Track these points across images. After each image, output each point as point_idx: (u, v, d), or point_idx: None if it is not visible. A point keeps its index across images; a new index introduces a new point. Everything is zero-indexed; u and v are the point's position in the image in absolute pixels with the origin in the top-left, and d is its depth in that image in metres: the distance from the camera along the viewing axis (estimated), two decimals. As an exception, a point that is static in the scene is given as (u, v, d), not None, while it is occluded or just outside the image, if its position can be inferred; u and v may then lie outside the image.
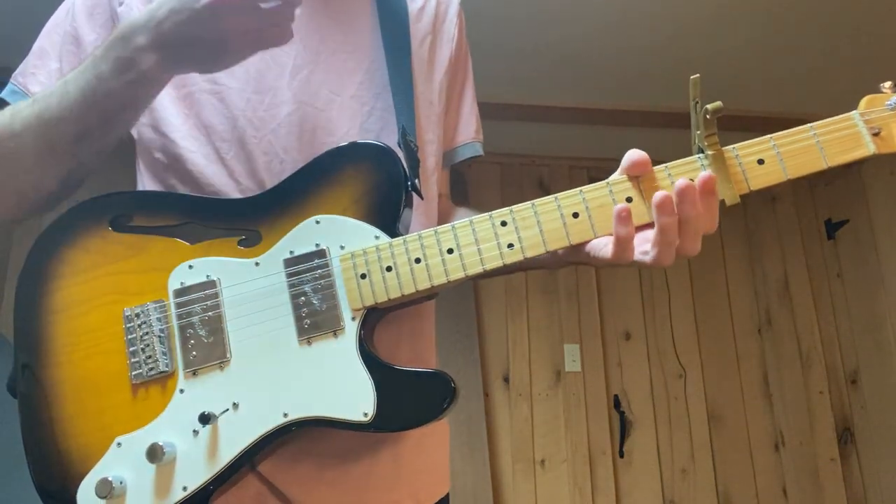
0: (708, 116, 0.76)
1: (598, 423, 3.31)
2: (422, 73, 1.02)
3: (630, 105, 3.17)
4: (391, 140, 0.90)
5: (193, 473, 0.78)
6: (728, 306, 3.61)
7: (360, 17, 1.00)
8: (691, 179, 0.74)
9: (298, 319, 0.81)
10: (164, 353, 0.81)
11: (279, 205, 0.85)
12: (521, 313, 3.40)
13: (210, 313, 0.82)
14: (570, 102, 3.16)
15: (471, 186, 3.44)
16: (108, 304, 0.83)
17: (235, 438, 0.78)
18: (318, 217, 0.83)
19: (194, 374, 0.80)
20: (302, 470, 0.84)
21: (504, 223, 0.80)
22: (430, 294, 0.88)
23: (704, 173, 0.74)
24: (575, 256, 0.82)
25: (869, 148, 0.77)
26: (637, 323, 3.51)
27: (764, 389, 3.52)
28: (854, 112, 0.78)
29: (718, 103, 0.75)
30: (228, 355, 0.81)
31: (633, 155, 0.78)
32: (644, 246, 0.76)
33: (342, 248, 0.82)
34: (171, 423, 0.79)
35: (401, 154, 0.87)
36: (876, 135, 0.77)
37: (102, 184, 0.91)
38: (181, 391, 0.80)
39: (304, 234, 0.83)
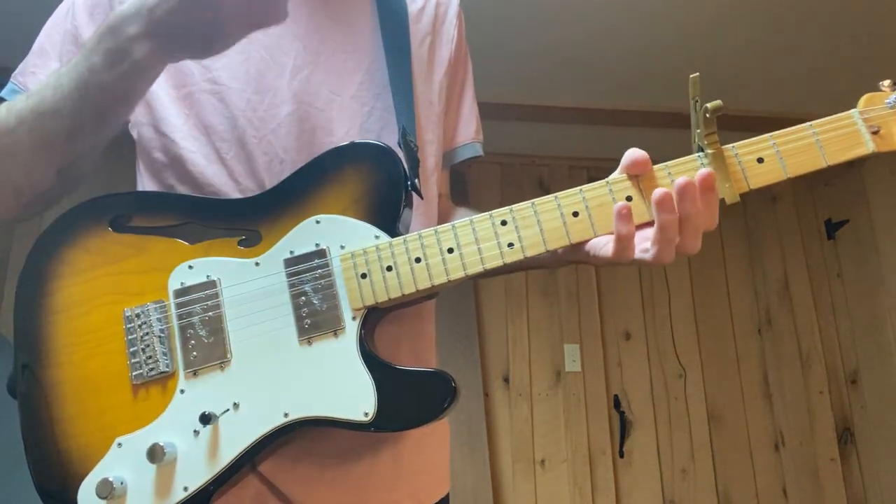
0: (707, 115, 0.76)
1: (598, 423, 3.31)
2: (421, 73, 1.02)
3: (630, 105, 3.17)
4: (391, 140, 0.90)
5: (194, 473, 0.78)
6: (728, 306, 3.61)
7: (360, 18, 1.00)
8: (675, 182, 0.74)
9: (299, 319, 0.81)
10: (165, 354, 0.81)
11: (279, 205, 0.85)
12: (521, 313, 3.40)
13: (210, 313, 0.82)
14: (570, 102, 3.16)
15: (471, 186, 3.44)
16: (108, 304, 0.83)
17: (236, 438, 0.78)
18: (318, 217, 0.83)
19: (195, 374, 0.80)
20: (302, 470, 0.84)
21: (504, 222, 0.80)
22: (431, 294, 0.88)
23: (704, 170, 0.74)
24: (575, 255, 0.82)
25: (868, 146, 0.77)
26: (637, 323, 3.51)
27: (764, 389, 3.52)
28: (853, 110, 0.79)
29: (718, 102, 0.76)
30: (229, 355, 0.81)
31: (633, 154, 0.78)
32: (644, 244, 0.76)
33: (342, 247, 0.82)
34: (172, 424, 0.79)
35: (401, 154, 0.87)
36: (875, 133, 0.77)
37: (102, 184, 0.91)
38: (182, 391, 0.80)
39: (305, 234, 0.83)
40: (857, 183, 3.44)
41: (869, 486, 3.32)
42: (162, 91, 0.92)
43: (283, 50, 0.94)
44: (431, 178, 1.00)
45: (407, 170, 0.85)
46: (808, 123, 0.78)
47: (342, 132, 0.92)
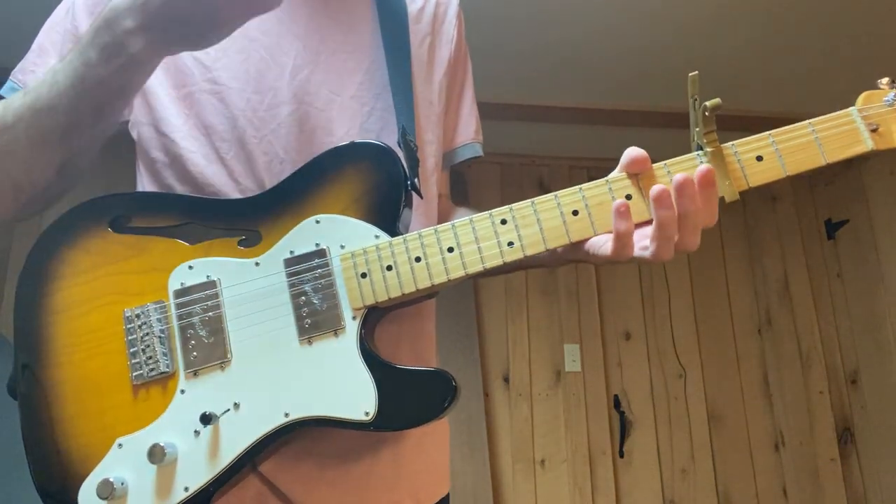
0: (707, 113, 0.76)
1: (598, 423, 3.31)
2: (421, 73, 1.02)
3: (630, 105, 3.17)
4: (391, 140, 0.90)
5: (195, 474, 0.78)
6: (728, 306, 3.61)
7: (360, 18, 1.00)
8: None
9: (299, 319, 0.81)
10: (165, 354, 0.81)
11: (279, 205, 0.85)
12: (521, 313, 3.40)
13: (210, 314, 0.82)
14: (570, 102, 3.16)
15: (471, 186, 3.44)
16: (108, 304, 0.83)
17: (237, 438, 0.78)
18: (317, 217, 0.83)
19: (195, 374, 0.80)
20: (303, 470, 0.84)
21: (504, 221, 0.80)
22: (431, 293, 0.88)
23: (703, 166, 0.74)
24: (574, 254, 0.83)
25: (867, 144, 0.77)
26: (637, 323, 3.51)
27: (764, 389, 3.52)
28: (852, 108, 0.79)
29: (717, 100, 0.76)
30: (229, 355, 0.81)
31: (632, 152, 0.78)
32: (643, 241, 0.76)
33: (342, 247, 0.82)
34: (173, 424, 0.79)
35: (400, 154, 0.87)
36: (874, 131, 0.77)
37: (102, 184, 0.91)
38: (182, 392, 0.80)
39: (304, 234, 0.83)
40: (857, 182, 3.44)
41: (869, 486, 3.32)
42: (162, 91, 0.92)
43: (283, 50, 0.94)
44: (431, 178, 1.00)
45: (406, 169, 0.86)
46: (806, 121, 0.78)
47: (342, 132, 0.92)
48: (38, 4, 1.08)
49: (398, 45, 0.99)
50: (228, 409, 0.79)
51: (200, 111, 0.91)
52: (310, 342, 0.80)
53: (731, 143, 0.78)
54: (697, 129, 0.78)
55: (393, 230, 0.83)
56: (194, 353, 0.81)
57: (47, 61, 0.94)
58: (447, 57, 1.07)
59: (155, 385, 0.81)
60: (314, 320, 0.80)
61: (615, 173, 0.80)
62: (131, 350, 0.81)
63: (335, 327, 0.80)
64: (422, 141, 0.99)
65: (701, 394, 3.45)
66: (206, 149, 0.90)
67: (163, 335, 0.82)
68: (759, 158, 0.78)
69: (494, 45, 2.69)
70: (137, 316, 0.82)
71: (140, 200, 0.89)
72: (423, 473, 0.94)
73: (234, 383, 0.80)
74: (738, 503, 3.34)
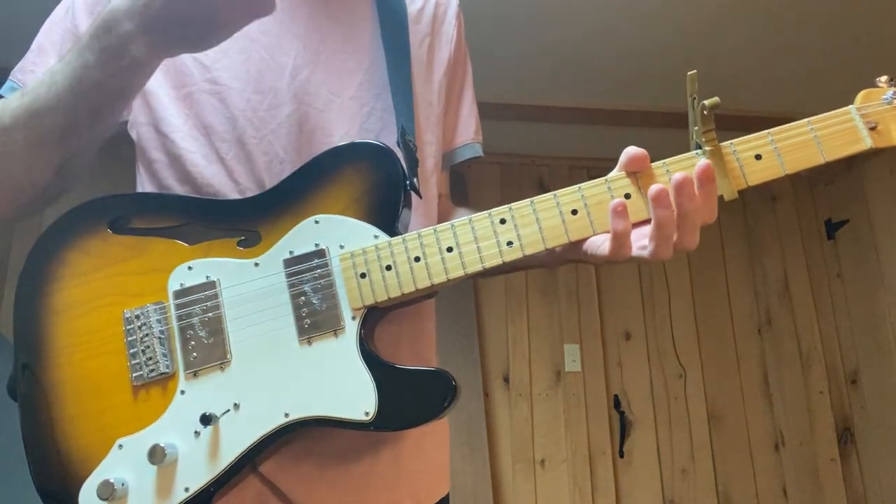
0: (705, 112, 0.76)
1: (598, 423, 3.30)
2: (420, 74, 1.02)
3: (630, 105, 3.17)
4: (390, 140, 0.90)
5: (195, 474, 0.78)
6: (728, 306, 3.61)
7: (359, 18, 1.00)
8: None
9: (298, 319, 0.81)
10: (165, 355, 0.81)
11: (278, 205, 0.85)
12: (521, 313, 3.40)
13: (210, 314, 0.82)
14: (570, 102, 3.16)
15: (471, 186, 3.44)
16: (108, 305, 0.83)
17: (237, 439, 0.78)
18: (317, 217, 0.83)
19: (195, 375, 0.80)
20: (303, 470, 0.84)
21: (503, 221, 0.80)
22: (430, 293, 0.88)
23: (703, 162, 0.74)
24: (574, 254, 0.83)
25: (866, 142, 0.77)
26: (637, 323, 3.51)
27: (764, 389, 3.52)
28: (851, 106, 0.79)
29: (715, 99, 0.76)
30: (229, 356, 0.81)
31: (631, 151, 0.78)
32: (642, 241, 0.76)
33: (342, 247, 0.82)
34: (173, 425, 0.79)
35: (399, 154, 0.87)
36: (873, 129, 0.77)
37: (102, 184, 0.91)
38: (182, 392, 0.80)
39: (304, 234, 0.83)
40: (857, 183, 3.44)
41: (869, 486, 3.32)
42: (161, 91, 0.92)
43: (283, 50, 0.94)
44: (431, 179, 1.00)
45: (406, 169, 0.86)
46: (805, 120, 0.78)
47: (342, 132, 0.92)
48: (38, 4, 1.08)
49: (398, 45, 0.99)
50: (228, 410, 0.79)
51: (200, 111, 0.91)
52: (309, 342, 0.80)
53: (729, 141, 0.78)
54: (696, 128, 0.78)
55: (392, 230, 0.83)
56: (194, 354, 0.81)
57: (47, 61, 0.94)
58: (447, 57, 1.07)
59: (155, 386, 0.81)
60: (314, 320, 0.80)
61: (614, 172, 0.80)
62: (131, 351, 0.81)
63: (335, 327, 0.80)
64: (421, 141, 0.99)
65: (701, 394, 3.45)
66: (206, 149, 0.90)
67: (162, 336, 0.82)
68: (758, 157, 0.78)
69: (494, 46, 2.69)
70: (137, 317, 0.82)
71: (139, 201, 0.89)
72: (423, 473, 0.94)
73: (234, 384, 0.80)
74: (738, 503, 3.34)
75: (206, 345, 0.81)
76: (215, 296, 0.82)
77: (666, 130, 3.00)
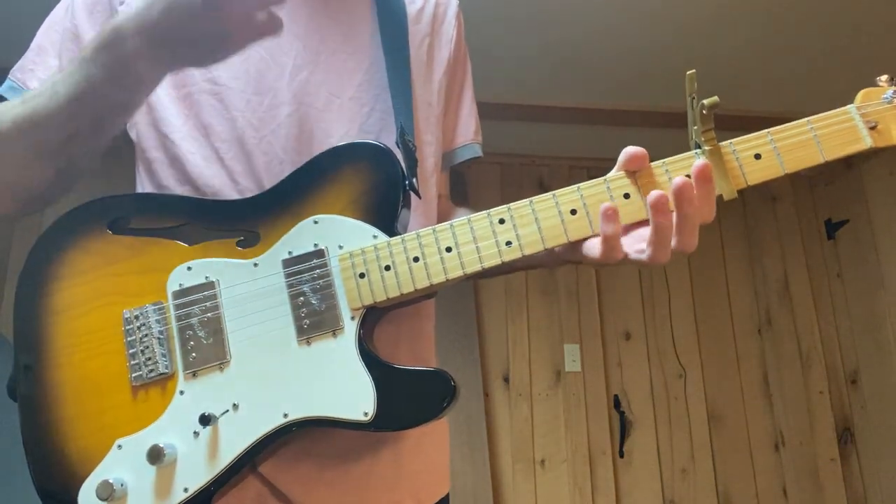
0: (704, 112, 0.76)
1: (598, 423, 3.30)
2: (420, 74, 1.02)
3: (630, 105, 3.17)
4: (390, 141, 0.90)
5: (194, 475, 0.78)
6: (728, 306, 3.61)
7: (359, 18, 1.00)
8: (688, 175, 0.74)
9: (297, 319, 0.81)
10: (164, 355, 0.81)
11: (277, 205, 0.85)
12: (521, 313, 3.40)
13: (209, 314, 0.82)
14: (570, 102, 3.16)
15: (471, 186, 3.44)
16: (107, 305, 0.83)
17: (236, 439, 0.78)
18: (316, 217, 0.83)
19: (194, 375, 0.80)
20: (302, 470, 0.84)
21: (502, 221, 0.80)
22: (429, 293, 0.88)
23: (700, 161, 0.74)
24: (571, 255, 0.83)
25: (866, 141, 0.77)
26: (637, 323, 3.51)
27: (764, 389, 3.52)
28: (850, 106, 0.78)
29: (714, 98, 0.76)
30: (228, 356, 0.81)
31: (631, 150, 0.78)
32: (640, 244, 0.76)
33: (341, 247, 0.82)
34: (172, 425, 0.79)
35: (399, 154, 0.87)
36: (873, 128, 0.77)
37: (102, 185, 0.91)
38: (181, 392, 0.80)
39: (303, 234, 0.83)
40: (857, 183, 3.44)
41: (869, 486, 3.32)
42: (161, 91, 0.92)
43: (283, 50, 0.94)
44: (430, 179, 1.00)
45: (405, 170, 0.85)
46: (805, 119, 0.78)
47: (341, 133, 0.92)
48: (38, 4, 1.08)
49: (397, 45, 0.99)
50: (227, 410, 0.79)
51: (200, 111, 0.91)
52: (308, 342, 0.80)
53: (728, 141, 0.78)
54: (695, 128, 0.78)
55: (391, 230, 0.82)
56: (193, 354, 0.81)
57: (46, 60, 0.94)
58: (446, 57, 1.07)
59: (154, 386, 0.81)
60: (313, 321, 0.80)
61: (613, 172, 0.80)
62: (130, 351, 0.81)
63: (334, 327, 0.80)
64: (420, 141, 0.99)
65: (701, 394, 3.45)
66: (206, 149, 0.90)
67: (162, 336, 0.82)
68: (758, 156, 0.77)
69: (494, 46, 2.69)
70: (136, 317, 0.82)
71: (139, 201, 0.89)
72: (423, 473, 0.94)
73: (233, 384, 0.80)
74: (738, 503, 3.34)
75: (206, 345, 0.81)
76: (214, 296, 0.82)
77: (666, 130, 3.00)
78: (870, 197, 3.38)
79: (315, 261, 0.82)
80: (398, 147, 0.89)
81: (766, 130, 0.78)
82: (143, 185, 0.94)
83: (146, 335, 0.82)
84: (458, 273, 0.80)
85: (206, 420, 0.78)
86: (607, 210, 0.74)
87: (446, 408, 0.78)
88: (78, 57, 0.78)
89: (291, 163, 0.89)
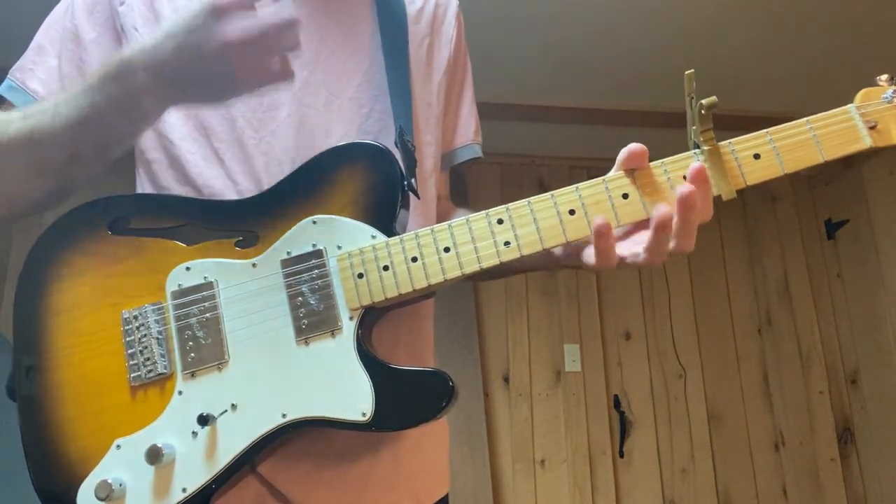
0: (703, 112, 0.76)
1: (598, 423, 3.30)
2: (420, 74, 1.02)
3: (630, 105, 3.17)
4: (389, 141, 0.90)
5: (192, 475, 0.78)
6: (728, 306, 3.61)
7: (359, 19, 1.00)
8: (684, 177, 0.74)
9: (296, 320, 0.81)
10: (163, 356, 0.81)
11: (276, 206, 0.85)
12: (521, 313, 3.40)
13: (208, 315, 0.82)
14: (570, 102, 3.16)
15: (471, 187, 3.44)
16: (106, 306, 0.83)
17: (234, 439, 0.78)
18: (314, 217, 0.83)
19: (192, 375, 0.80)
20: (301, 470, 0.84)
21: (500, 221, 0.80)
22: (428, 293, 0.88)
23: (695, 164, 0.74)
24: (570, 261, 0.83)
25: (865, 141, 0.77)
26: (637, 323, 3.51)
27: (764, 389, 3.52)
28: (850, 105, 0.78)
29: (713, 98, 0.76)
30: (226, 356, 0.81)
31: (630, 147, 0.78)
32: (636, 248, 0.76)
33: (339, 247, 0.82)
34: (170, 425, 0.79)
35: (397, 154, 0.87)
36: (872, 128, 0.77)
37: (101, 185, 0.91)
38: (180, 393, 0.80)
39: (301, 235, 0.83)
40: (857, 183, 3.44)
41: (869, 486, 3.32)
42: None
43: (283, 51, 0.93)
44: (430, 180, 1.00)
45: (403, 170, 0.85)
46: (804, 119, 0.78)
47: (340, 133, 0.92)
48: (38, 4, 1.08)
49: (397, 46, 0.99)
50: (226, 411, 0.79)
51: (199, 112, 0.91)
52: (307, 343, 0.80)
53: (728, 141, 0.78)
54: (694, 128, 0.78)
55: (390, 230, 0.82)
56: (192, 355, 0.81)
57: (46, 59, 0.94)
58: (446, 58, 1.07)
59: (153, 386, 0.81)
60: (311, 321, 0.80)
61: (612, 172, 0.80)
62: (129, 351, 0.82)
63: (332, 328, 0.80)
64: (420, 142, 0.99)
65: (701, 394, 3.45)
66: (205, 150, 0.90)
67: (160, 336, 0.82)
68: (757, 156, 0.77)
69: (494, 46, 2.69)
70: (135, 317, 0.82)
71: (138, 202, 0.89)
72: (423, 473, 0.94)
73: (232, 384, 0.80)
74: (738, 503, 3.34)
75: (204, 345, 0.81)
76: (213, 296, 0.82)
77: (666, 130, 2.99)
78: (870, 197, 3.38)
79: (313, 261, 0.82)
80: (397, 147, 0.89)
81: (765, 130, 0.78)
82: (143, 186, 0.94)
83: (145, 335, 0.82)
84: (456, 273, 0.80)
85: (204, 420, 0.78)
86: (601, 228, 0.75)
87: (444, 408, 0.78)
88: (84, 82, 0.78)
89: (290, 163, 0.89)
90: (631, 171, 0.79)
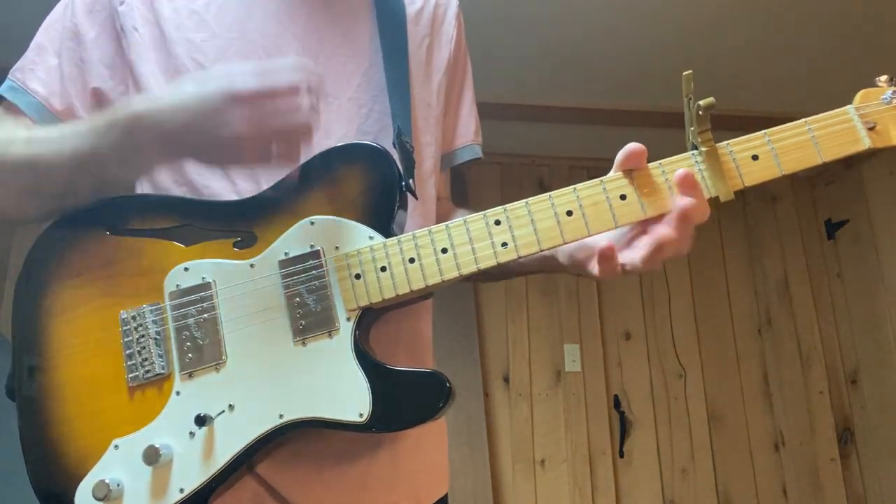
0: (700, 112, 0.76)
1: (598, 423, 3.30)
2: (419, 75, 1.02)
3: (630, 105, 3.17)
4: (388, 142, 0.90)
5: (190, 475, 0.78)
6: (728, 306, 3.61)
7: (358, 20, 1.00)
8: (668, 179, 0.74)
9: (294, 320, 0.80)
10: (161, 356, 0.81)
11: (274, 206, 0.85)
12: (521, 313, 3.40)
13: (206, 315, 0.82)
14: (570, 102, 3.16)
15: (471, 187, 3.44)
16: (105, 306, 0.83)
17: (232, 440, 0.78)
18: (312, 218, 0.83)
19: (190, 376, 0.80)
20: (299, 471, 0.84)
21: (498, 222, 0.80)
22: (426, 294, 0.88)
23: (680, 171, 0.75)
24: (575, 270, 0.84)
25: (864, 142, 0.77)
26: (637, 323, 3.51)
27: (764, 389, 3.52)
28: (849, 106, 0.78)
29: (710, 99, 0.75)
30: (224, 357, 0.81)
31: (629, 146, 0.78)
32: (634, 255, 0.76)
33: (337, 248, 0.82)
34: (168, 425, 0.79)
35: (395, 155, 0.87)
36: (871, 129, 0.77)
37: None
38: (177, 393, 0.80)
39: (299, 236, 0.83)
40: (857, 183, 3.44)
41: (869, 486, 3.32)
42: (161, 92, 0.91)
43: (282, 51, 0.93)
44: (429, 180, 1.00)
45: (402, 171, 0.85)
46: (803, 120, 0.78)
47: (340, 134, 0.92)
48: (38, 4, 1.08)
49: (396, 46, 0.99)
50: (223, 411, 0.79)
51: (198, 113, 0.91)
52: (304, 343, 0.80)
53: (726, 142, 0.78)
54: (692, 129, 0.78)
55: (387, 231, 0.82)
56: (189, 355, 0.81)
57: (46, 59, 0.94)
58: (446, 58, 1.07)
59: (151, 387, 0.81)
60: (308, 321, 0.80)
61: (611, 173, 0.80)
62: (127, 352, 0.81)
63: (329, 328, 0.80)
64: (419, 143, 0.99)
65: (701, 394, 3.45)
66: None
67: (158, 337, 0.82)
68: (755, 158, 0.77)
69: (494, 46, 2.69)
70: (134, 318, 0.82)
71: (137, 203, 0.89)
72: (422, 474, 0.94)
73: (229, 385, 0.80)
74: (738, 503, 3.34)
75: (202, 346, 0.81)
76: (211, 297, 0.82)
77: (666, 130, 2.99)
78: (870, 197, 3.38)
79: (311, 262, 0.82)
80: (395, 148, 0.89)
81: (763, 132, 0.77)
82: (142, 187, 0.94)
83: (143, 336, 0.82)
84: (454, 274, 0.80)
85: (201, 421, 0.78)
86: (605, 252, 0.76)
87: (441, 409, 0.78)
88: (91, 122, 0.80)
89: (289, 164, 0.89)
90: (629, 172, 0.79)
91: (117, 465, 0.78)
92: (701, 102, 0.75)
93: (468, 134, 1.11)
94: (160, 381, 0.81)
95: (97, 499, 0.76)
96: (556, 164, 3.63)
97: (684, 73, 0.77)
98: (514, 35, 2.66)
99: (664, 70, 2.83)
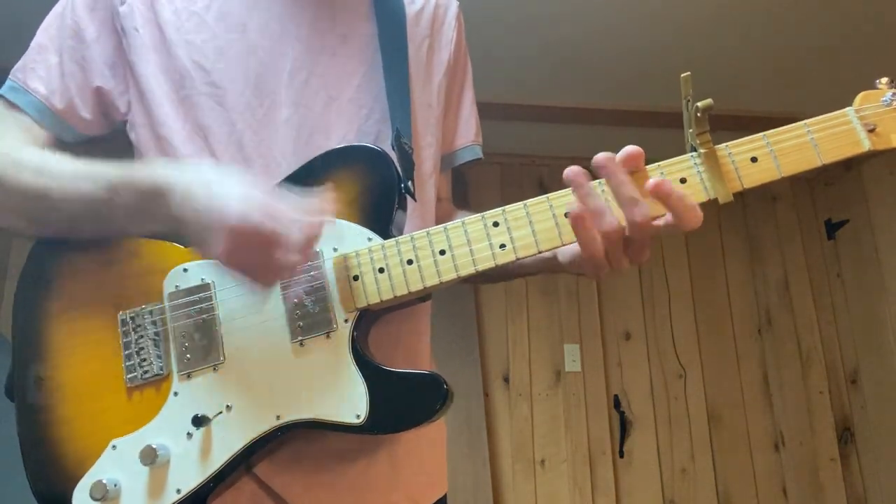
0: (699, 114, 0.76)
1: (598, 423, 3.30)
2: (419, 76, 1.02)
3: (630, 105, 3.17)
4: (387, 143, 0.90)
5: (187, 476, 0.78)
6: (728, 306, 3.60)
7: (359, 21, 1.00)
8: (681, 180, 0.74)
9: (292, 321, 0.81)
10: (159, 357, 0.81)
11: (273, 207, 0.85)
12: (521, 313, 3.40)
13: (204, 316, 0.82)
14: (570, 102, 3.16)
15: (471, 187, 3.43)
16: (104, 307, 0.84)
17: (229, 441, 0.78)
18: (311, 219, 0.83)
19: (188, 376, 0.81)
20: (298, 472, 0.84)
21: (496, 224, 0.80)
22: (424, 296, 0.88)
23: (649, 182, 0.73)
24: (574, 269, 0.84)
25: (864, 144, 0.76)
26: (637, 323, 3.50)
27: (764, 389, 3.52)
28: (849, 108, 0.78)
29: (709, 101, 0.75)
30: (222, 358, 0.81)
31: (627, 149, 0.78)
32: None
33: (335, 250, 0.82)
34: (166, 426, 0.80)
35: (394, 156, 0.87)
36: (871, 131, 0.76)
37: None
38: (175, 394, 0.80)
39: (298, 236, 0.83)
40: (857, 183, 3.44)
41: (869, 486, 3.32)
42: (160, 93, 0.91)
43: (283, 52, 0.94)
44: (428, 182, 0.99)
45: (400, 172, 0.85)
46: (802, 122, 0.77)
47: (339, 135, 0.92)
48: (38, 4, 1.08)
49: (396, 47, 0.99)
50: (221, 412, 0.79)
51: (198, 114, 0.91)
52: (302, 344, 0.80)
53: (724, 144, 0.77)
54: (691, 131, 0.77)
55: (386, 233, 0.82)
56: (188, 356, 0.81)
57: (47, 58, 0.94)
58: (446, 59, 1.06)
59: (149, 387, 0.81)
60: (307, 323, 0.80)
61: (610, 175, 0.80)
62: (126, 352, 0.82)
63: (327, 330, 0.80)
64: (419, 144, 0.99)
65: (701, 394, 3.44)
66: (204, 152, 0.90)
67: (157, 338, 0.82)
68: (754, 159, 0.77)
69: (494, 46, 2.69)
70: (132, 318, 0.83)
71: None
72: (420, 474, 0.94)
73: (227, 386, 0.80)
74: (737, 503, 3.34)
75: (200, 347, 0.81)
76: (209, 298, 0.82)
77: (666, 130, 2.99)
78: (870, 197, 3.38)
79: (310, 263, 0.82)
80: (394, 150, 0.89)
81: (762, 133, 0.77)
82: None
83: (142, 337, 0.82)
84: (452, 276, 0.80)
85: (199, 421, 0.78)
86: (574, 214, 0.76)
87: (439, 411, 0.78)
88: (108, 174, 0.80)
89: (289, 165, 0.89)
90: (629, 172, 0.79)
91: (115, 465, 0.79)
92: (699, 104, 0.75)
93: (469, 134, 1.11)
94: (158, 382, 0.81)
95: (95, 499, 0.77)
96: (556, 164, 3.62)
97: (682, 75, 0.77)
98: (514, 35, 2.65)
99: (664, 70, 2.83)
